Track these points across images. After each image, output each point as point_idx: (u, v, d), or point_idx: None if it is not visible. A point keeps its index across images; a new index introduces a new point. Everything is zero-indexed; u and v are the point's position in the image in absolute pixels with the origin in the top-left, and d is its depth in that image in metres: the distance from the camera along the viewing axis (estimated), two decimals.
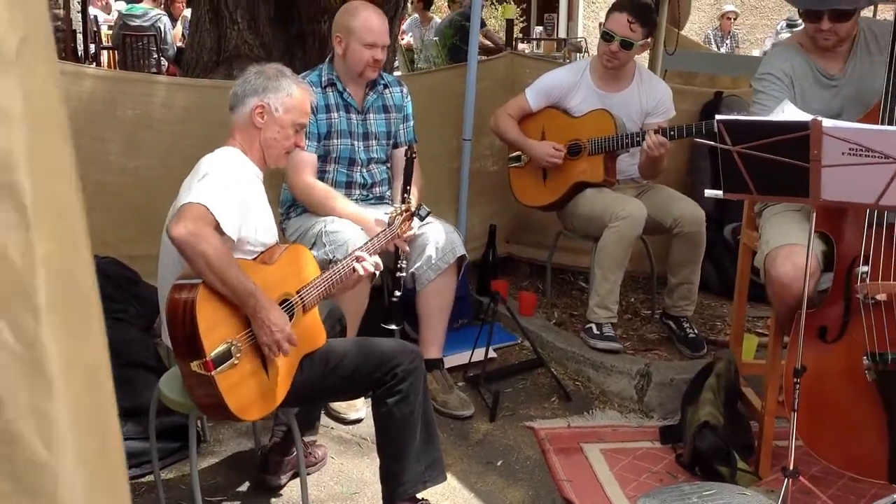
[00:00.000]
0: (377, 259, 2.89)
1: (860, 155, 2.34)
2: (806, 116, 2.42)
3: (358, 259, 2.81)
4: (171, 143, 3.91)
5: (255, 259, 2.59)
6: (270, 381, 2.51)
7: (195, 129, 3.92)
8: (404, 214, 3.15)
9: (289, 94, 2.71)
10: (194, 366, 2.32)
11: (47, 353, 0.76)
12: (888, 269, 2.72)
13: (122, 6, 11.35)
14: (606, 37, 4.04)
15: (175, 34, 10.20)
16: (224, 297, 2.39)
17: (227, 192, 2.48)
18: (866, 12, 3.69)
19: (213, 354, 2.32)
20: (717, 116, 2.53)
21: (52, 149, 0.79)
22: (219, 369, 2.33)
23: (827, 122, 2.33)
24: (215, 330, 2.36)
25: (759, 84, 3.21)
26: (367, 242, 2.97)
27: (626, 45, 4.02)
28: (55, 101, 0.80)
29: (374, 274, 3.08)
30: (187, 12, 10.82)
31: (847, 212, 2.85)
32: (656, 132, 3.83)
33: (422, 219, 3.23)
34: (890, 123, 2.75)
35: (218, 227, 2.41)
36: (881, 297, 2.69)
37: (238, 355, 2.39)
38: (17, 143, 0.74)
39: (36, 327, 0.76)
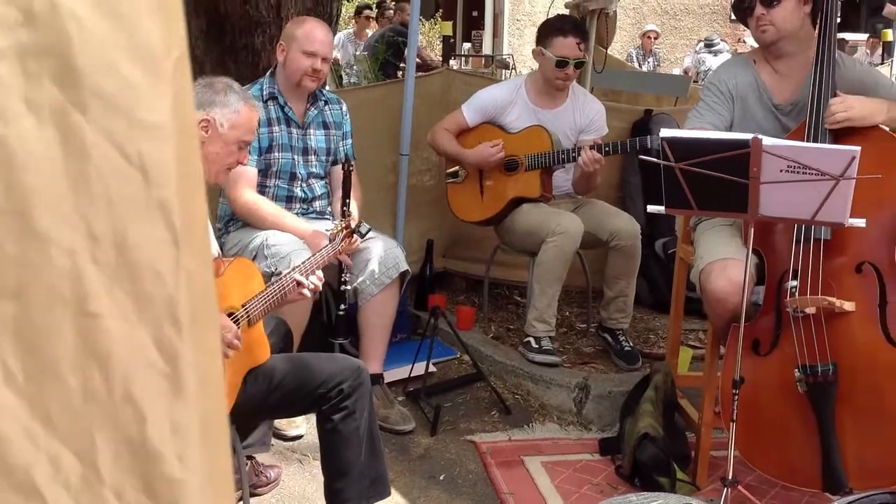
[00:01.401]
0: (317, 276, 2.85)
1: (797, 172, 2.42)
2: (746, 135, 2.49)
3: (299, 284, 2.76)
4: None
5: None
6: None
7: None
8: (345, 231, 3.14)
9: (236, 111, 2.68)
10: None
11: (187, 369, 0.78)
12: (816, 283, 2.80)
13: None
14: (561, 63, 4.07)
15: None
16: None
17: None
18: None
19: None
20: (662, 132, 2.59)
21: (192, 165, 0.80)
22: None
23: (767, 141, 2.41)
24: None
25: (702, 92, 3.29)
26: (307, 260, 2.93)
27: (580, 64, 4.16)
28: (193, 116, 0.83)
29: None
30: None
31: (775, 227, 2.94)
32: (591, 148, 3.89)
33: (362, 236, 3.22)
34: (814, 141, 2.85)
35: None
36: (810, 310, 2.76)
37: None
38: (169, 159, 0.76)
39: (179, 344, 0.77)
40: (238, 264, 2.67)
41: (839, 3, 3.00)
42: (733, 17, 3.24)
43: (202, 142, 2.65)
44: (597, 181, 4.12)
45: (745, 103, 3.20)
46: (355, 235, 3.18)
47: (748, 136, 2.43)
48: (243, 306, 2.58)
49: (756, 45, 3.32)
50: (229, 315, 2.52)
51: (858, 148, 2.38)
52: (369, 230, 3.26)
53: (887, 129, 2.90)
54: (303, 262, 2.86)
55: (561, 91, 4.20)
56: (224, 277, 2.57)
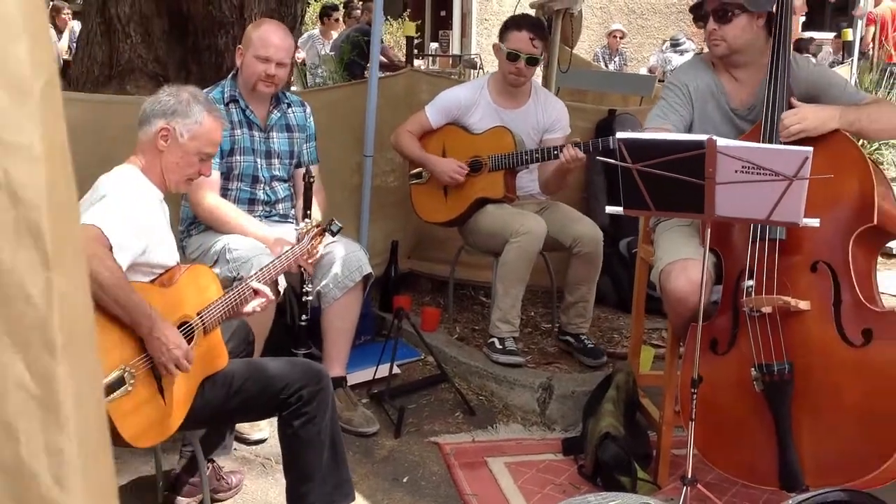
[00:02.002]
0: (268, 291, 2.82)
1: (752, 173, 2.45)
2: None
3: (256, 292, 2.74)
4: None
5: (152, 281, 2.53)
6: (167, 406, 2.44)
7: (88, 145, 3.78)
8: (316, 230, 3.12)
9: (197, 122, 2.66)
10: None
11: (62, 391, 0.77)
12: (771, 282, 2.83)
13: None
14: (512, 56, 4.11)
15: (61, 48, 9.90)
16: (115, 320, 2.31)
17: (123, 216, 2.43)
18: None
19: (104, 382, 2.25)
20: (618, 134, 2.61)
21: (64, 187, 0.80)
22: (111, 397, 2.25)
23: (721, 142, 2.44)
24: (106, 355, 2.27)
25: (664, 90, 3.32)
26: (266, 266, 2.91)
27: (532, 61, 4.12)
28: (64, 139, 0.82)
29: (279, 292, 3.06)
30: (74, 24, 10.54)
31: (732, 227, 2.97)
32: (575, 145, 3.83)
33: (334, 234, 3.19)
34: (769, 142, 2.88)
35: (111, 250, 2.35)
36: (766, 309, 2.79)
37: (132, 381, 2.32)
38: (39, 181, 0.76)
39: (52, 365, 0.77)
40: (194, 271, 2.65)
41: (792, 7, 3.03)
42: None
43: (161, 150, 2.63)
44: (570, 181, 4.13)
45: (704, 105, 3.23)
46: (327, 234, 3.15)
47: (703, 137, 2.45)
48: (198, 314, 2.57)
49: None
50: (184, 324, 2.51)
51: (811, 149, 2.41)
52: (341, 228, 3.23)
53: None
54: (261, 269, 2.84)
55: (516, 87, 4.20)
56: (179, 285, 2.55)
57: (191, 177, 2.72)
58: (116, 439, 2.30)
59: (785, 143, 2.87)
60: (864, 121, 2.94)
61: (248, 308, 2.73)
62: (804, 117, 2.89)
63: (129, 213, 2.46)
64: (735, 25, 3.09)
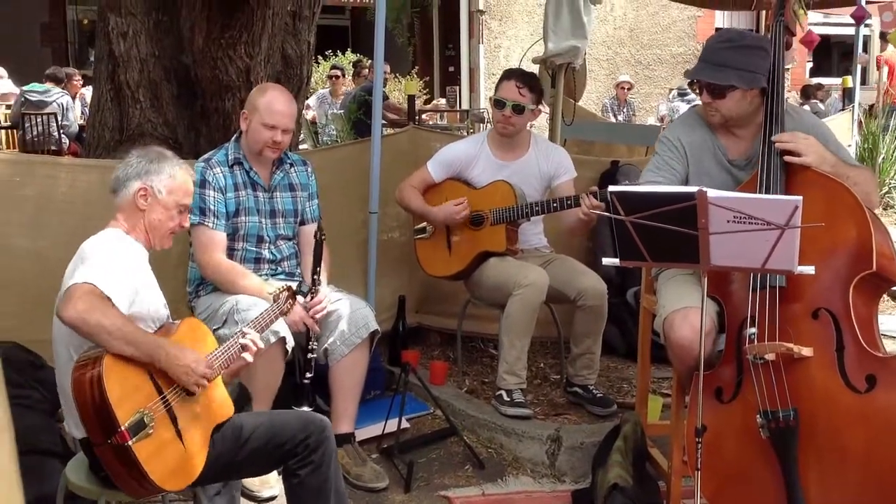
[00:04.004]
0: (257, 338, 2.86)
1: (744, 222, 2.47)
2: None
3: (244, 348, 2.76)
4: (76, 226, 3.85)
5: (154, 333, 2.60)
6: (187, 450, 2.50)
7: (100, 210, 3.85)
8: (287, 292, 3.14)
9: (170, 176, 2.76)
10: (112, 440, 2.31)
11: None
12: (773, 329, 2.83)
13: (9, 85, 11.24)
14: (498, 104, 4.20)
15: (75, 115, 10.12)
16: (129, 366, 2.39)
17: (112, 269, 2.51)
18: None
19: (127, 424, 2.31)
20: (610, 188, 2.65)
21: None
22: (135, 439, 2.32)
23: (711, 193, 2.47)
24: (126, 400, 2.35)
25: (658, 146, 3.35)
26: (250, 322, 2.91)
27: (518, 108, 4.18)
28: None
29: (287, 351, 3.11)
30: (85, 91, 10.79)
31: (733, 275, 2.99)
32: (591, 193, 3.60)
33: (304, 296, 3.25)
34: (767, 191, 2.91)
35: (109, 300, 2.41)
36: (769, 356, 2.79)
37: (152, 424, 2.38)
38: None
39: None
40: (189, 324, 2.73)
41: (784, 65, 3.09)
42: None
43: (142, 210, 2.71)
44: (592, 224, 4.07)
45: (699, 159, 3.25)
46: (298, 297, 3.22)
47: (694, 189, 2.49)
48: None
49: None
50: None
51: (800, 197, 2.44)
52: (310, 290, 3.28)
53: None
54: (247, 325, 2.88)
55: (505, 136, 4.26)
56: (178, 336, 2.62)
57: (173, 230, 2.82)
58: (147, 483, 2.35)
59: (781, 179, 2.90)
60: (850, 181, 2.92)
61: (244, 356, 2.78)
62: (809, 144, 2.93)
63: (118, 268, 2.53)
64: (729, 99, 3.12)
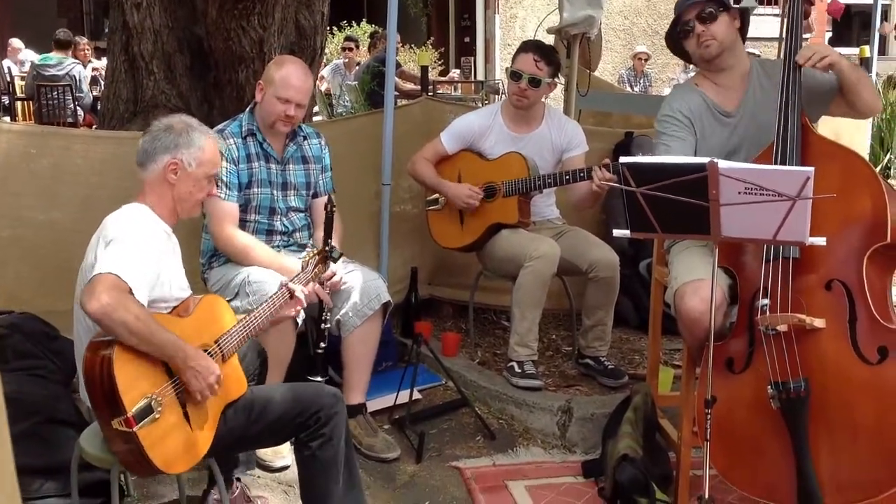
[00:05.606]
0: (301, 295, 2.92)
1: (755, 193, 2.46)
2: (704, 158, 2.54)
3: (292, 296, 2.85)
4: (88, 196, 3.89)
5: (170, 313, 2.60)
6: (194, 432, 2.51)
7: (113, 181, 3.90)
8: (317, 258, 3.17)
9: (200, 148, 2.73)
10: (115, 423, 2.31)
11: None
12: (786, 300, 2.83)
13: (30, 55, 11.25)
14: (515, 76, 4.18)
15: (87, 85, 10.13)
16: (140, 351, 2.38)
17: (136, 256, 2.48)
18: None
19: (134, 410, 2.31)
20: (621, 159, 2.64)
21: None
22: (140, 425, 2.31)
23: (723, 164, 2.45)
24: (134, 385, 2.35)
25: (660, 126, 3.35)
26: (274, 294, 2.93)
27: (534, 82, 4.15)
28: None
29: (297, 322, 3.12)
30: (95, 62, 10.79)
31: (746, 247, 2.98)
32: (603, 166, 3.60)
33: (335, 260, 3.24)
34: (783, 162, 2.90)
35: (131, 293, 2.41)
36: (781, 328, 2.79)
37: (159, 409, 2.38)
38: None
39: None
40: (208, 301, 2.72)
41: (801, 34, 3.09)
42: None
43: (172, 184, 2.70)
44: (602, 199, 4.06)
45: (702, 122, 3.31)
46: (331, 263, 3.22)
47: (705, 159, 2.47)
48: (216, 342, 2.62)
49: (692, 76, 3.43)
50: (204, 352, 2.57)
51: (812, 168, 2.42)
52: (342, 255, 3.28)
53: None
54: (272, 296, 2.89)
55: (520, 109, 4.24)
56: (196, 314, 2.62)
57: (201, 199, 2.81)
58: (150, 467, 2.37)
59: (798, 149, 2.91)
60: (864, 80, 3.09)
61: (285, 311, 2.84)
62: (825, 48, 3.00)
63: (141, 253, 2.50)
64: (721, 22, 3.26)
